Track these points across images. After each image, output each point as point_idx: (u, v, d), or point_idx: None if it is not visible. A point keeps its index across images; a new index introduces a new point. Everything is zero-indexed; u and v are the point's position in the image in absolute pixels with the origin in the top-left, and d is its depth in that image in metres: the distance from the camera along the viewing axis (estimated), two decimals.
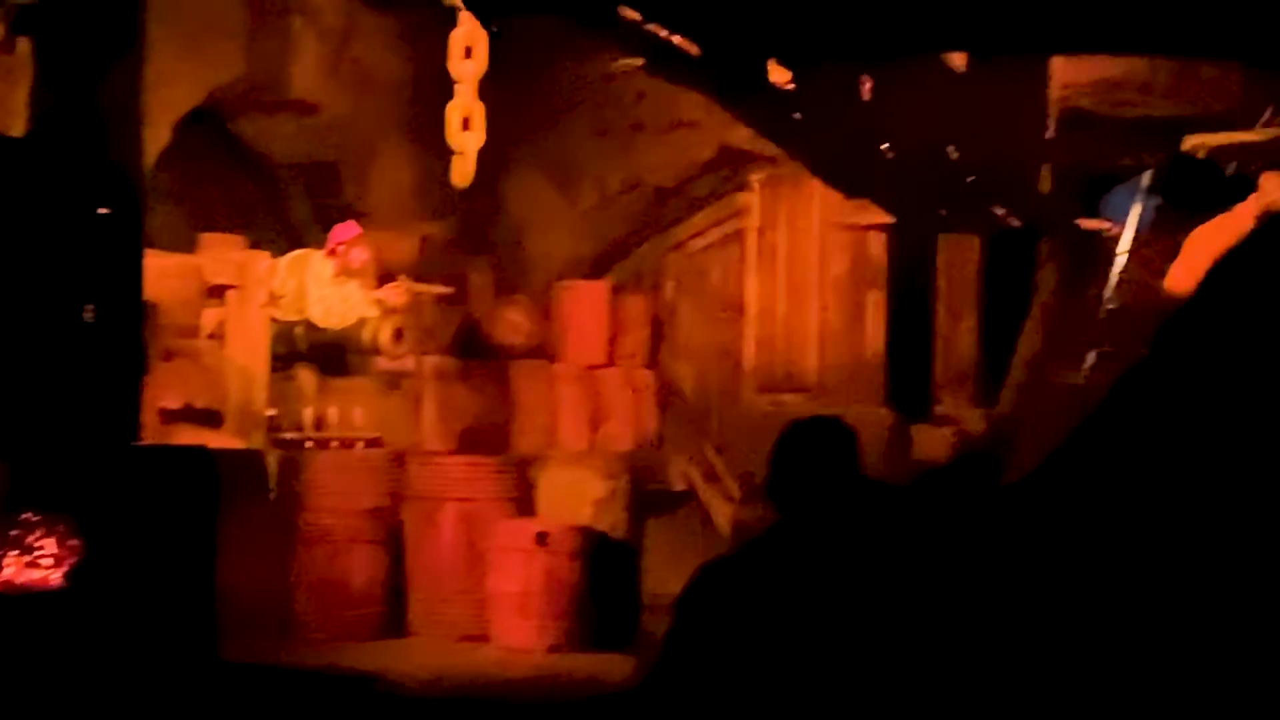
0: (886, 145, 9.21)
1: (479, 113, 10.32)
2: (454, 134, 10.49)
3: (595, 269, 12.87)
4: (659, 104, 12.08)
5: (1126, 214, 11.64)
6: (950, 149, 9.28)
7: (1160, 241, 11.66)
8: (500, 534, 10.78)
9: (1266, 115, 9.62)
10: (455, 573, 10.93)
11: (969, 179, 9.64)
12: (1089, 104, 11.23)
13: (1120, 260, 11.45)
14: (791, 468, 5.02)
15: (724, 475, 11.99)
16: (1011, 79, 9.94)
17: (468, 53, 10.14)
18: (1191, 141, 9.97)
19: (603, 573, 10.75)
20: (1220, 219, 10.28)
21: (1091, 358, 11.46)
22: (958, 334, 12.05)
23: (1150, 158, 11.56)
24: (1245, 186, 10.09)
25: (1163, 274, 11.29)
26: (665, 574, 10.53)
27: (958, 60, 8.92)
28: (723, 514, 11.77)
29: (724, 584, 4.94)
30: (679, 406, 12.59)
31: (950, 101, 9.20)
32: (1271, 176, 9.99)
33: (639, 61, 9.09)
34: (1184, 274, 10.37)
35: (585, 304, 12.32)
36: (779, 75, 8.25)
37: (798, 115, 8.87)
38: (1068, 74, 10.81)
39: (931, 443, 11.59)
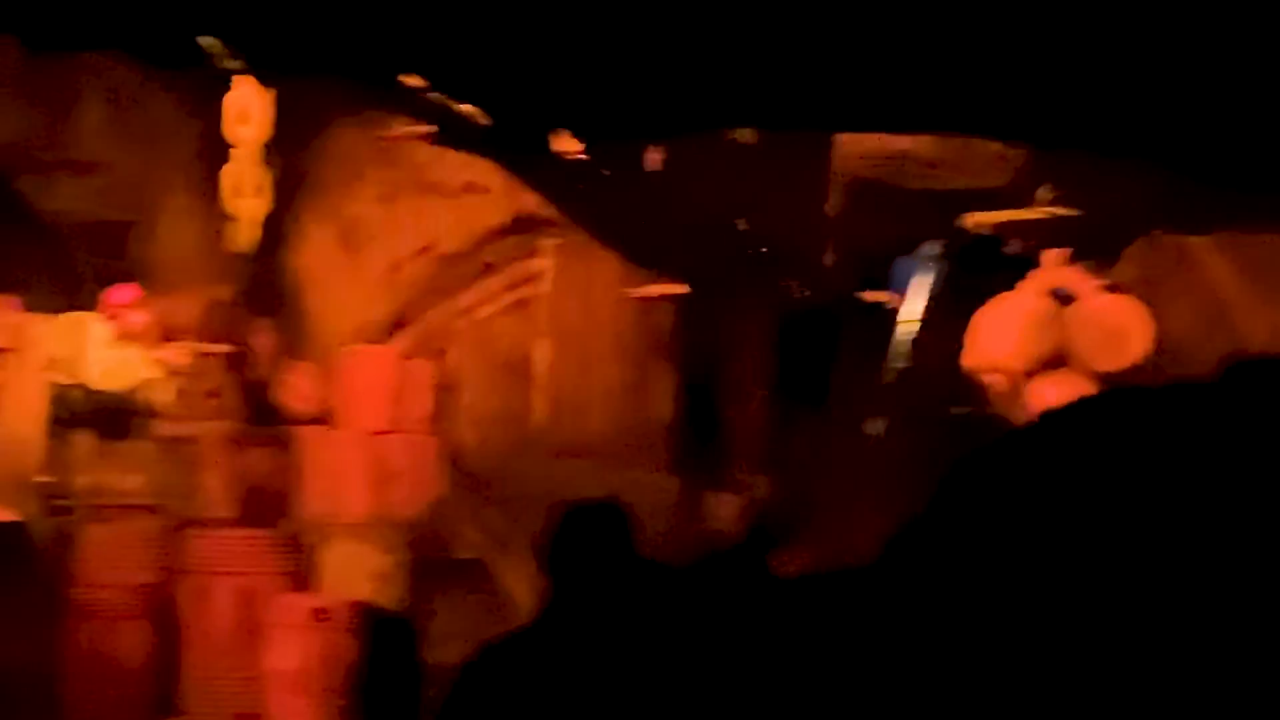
0: (675, 216, 9.16)
1: (257, 177, 10.10)
2: (229, 199, 10.26)
3: (382, 334, 12.66)
4: (450, 169, 11.94)
5: (913, 286, 11.72)
6: (739, 220, 9.26)
7: (945, 312, 11.77)
8: (277, 610, 10.52)
9: (1047, 194, 9.72)
10: (230, 650, 10.65)
11: (758, 250, 9.62)
12: (875, 176, 11.30)
13: (905, 330, 11.51)
14: (566, 549, 5.08)
15: (510, 542, 11.85)
16: (798, 151, 9.96)
17: (244, 117, 9.92)
18: (973, 219, 10.04)
19: (383, 648, 10.53)
20: (1005, 297, 10.38)
21: (879, 427, 11.52)
22: (747, 402, 12.07)
23: (935, 230, 11.66)
24: (1027, 263, 10.20)
25: (947, 343, 11.40)
26: (451, 645, 10.34)
27: (746, 132, 8.90)
28: (510, 582, 11.64)
29: (500, 663, 4.95)
30: (466, 473, 12.43)
31: (738, 173, 9.17)
32: (1052, 254, 10.10)
33: (426, 128, 8.94)
34: (974, 353, 10.46)
35: (371, 369, 12.11)
36: (569, 145, 8.16)
37: (586, 185, 8.79)
38: (854, 146, 10.87)
39: (720, 510, 11.60)
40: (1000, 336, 10.31)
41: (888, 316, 11.53)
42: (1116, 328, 10.20)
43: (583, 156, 8.31)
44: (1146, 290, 10.71)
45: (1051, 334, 10.27)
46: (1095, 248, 10.19)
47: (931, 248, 11.68)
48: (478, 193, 11.99)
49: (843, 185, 10.86)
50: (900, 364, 11.41)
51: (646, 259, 10.66)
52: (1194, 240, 10.83)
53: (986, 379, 10.42)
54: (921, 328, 11.48)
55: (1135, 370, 10.29)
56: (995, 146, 10.96)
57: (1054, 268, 10.24)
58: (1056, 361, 10.33)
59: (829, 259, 10.57)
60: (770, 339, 11.61)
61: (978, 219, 10.12)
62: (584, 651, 4.83)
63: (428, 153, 11.77)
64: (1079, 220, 9.77)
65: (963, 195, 11.20)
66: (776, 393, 11.95)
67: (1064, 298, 10.35)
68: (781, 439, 12.02)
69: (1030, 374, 10.22)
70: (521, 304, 12.35)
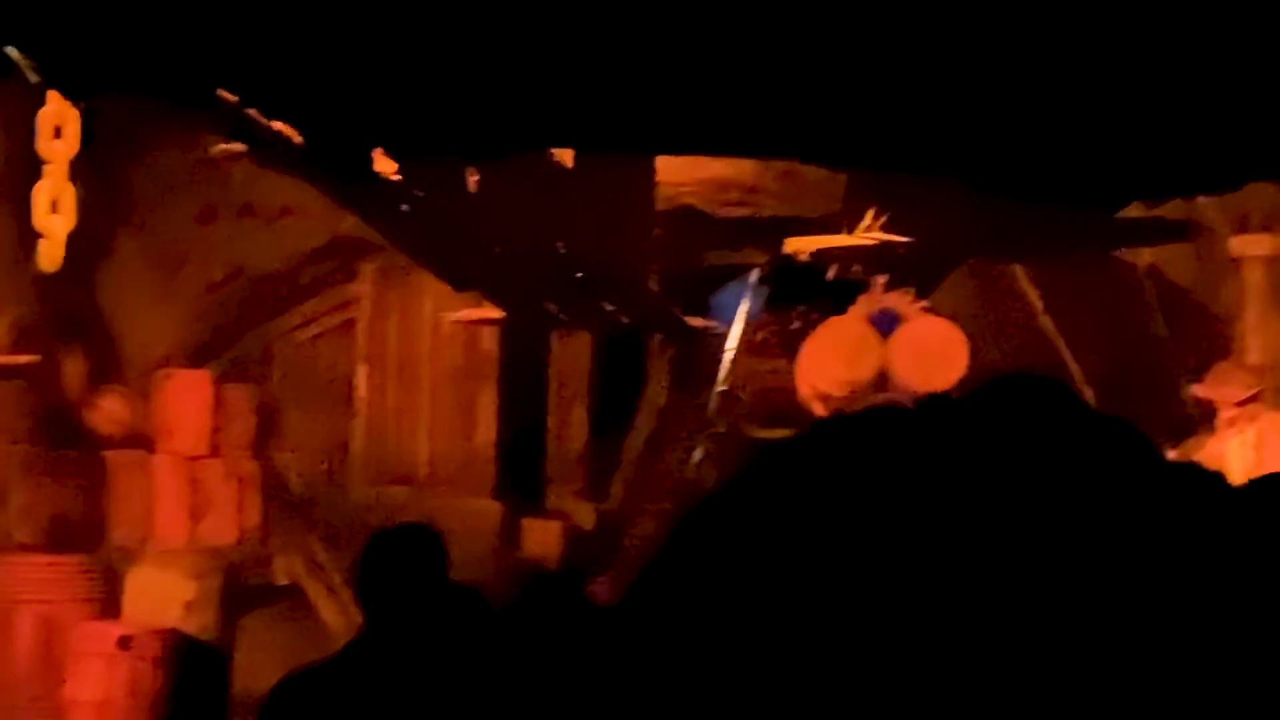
0: (495, 240, 9.02)
1: (69, 195, 9.82)
2: (41, 217, 9.96)
3: (198, 358, 12.39)
4: (267, 190, 11.71)
5: (734, 312, 11.71)
6: (559, 244, 9.15)
7: (766, 337, 11.79)
8: (80, 638, 10.21)
9: (867, 220, 9.72)
10: (29, 680, 10.32)
11: (578, 275, 9.52)
12: (696, 202, 11.27)
13: (728, 357, 11.49)
14: (377, 574, 4.97)
15: (329, 569, 11.67)
16: (619, 175, 9.88)
17: (57, 133, 9.64)
18: (793, 245, 10.03)
19: (191, 678, 10.28)
20: (830, 323, 10.39)
21: (699, 454, 11.48)
22: (569, 428, 12.00)
23: (757, 257, 11.66)
24: (852, 289, 10.22)
25: (767, 367, 11.40)
26: (265, 673, 10.13)
27: (565, 155, 8.79)
28: (328, 609, 11.46)
29: (306, 693, 4.86)
30: (285, 499, 12.21)
31: (558, 196, 9.07)
32: (877, 280, 10.12)
33: (240, 147, 8.73)
34: (801, 378, 10.46)
35: (186, 393, 11.83)
36: (385, 165, 7.99)
37: (405, 207, 8.62)
38: (675, 173, 10.84)
39: (541, 536, 11.51)
40: (824, 362, 10.32)
41: (710, 342, 11.49)
42: (935, 351, 10.25)
43: (398, 178, 8.15)
44: (967, 319, 10.77)
45: (873, 358, 10.31)
46: (919, 273, 10.23)
47: (754, 275, 11.68)
48: (295, 215, 11.80)
49: (664, 211, 10.82)
50: (722, 389, 11.38)
51: (467, 283, 10.51)
52: (1013, 268, 10.92)
53: (813, 404, 10.43)
54: (741, 352, 11.47)
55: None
56: (816, 172, 10.97)
57: (877, 293, 10.26)
58: (880, 386, 10.37)
59: (651, 284, 10.50)
60: (591, 364, 11.52)
61: (799, 244, 10.11)
62: (392, 677, 4.74)
63: (245, 173, 11.55)
64: (903, 246, 9.79)
65: (784, 222, 11.21)
66: (598, 419, 11.86)
67: (886, 322, 10.39)
68: (602, 466, 11.94)
69: (854, 398, 10.25)
70: (341, 328, 12.20)
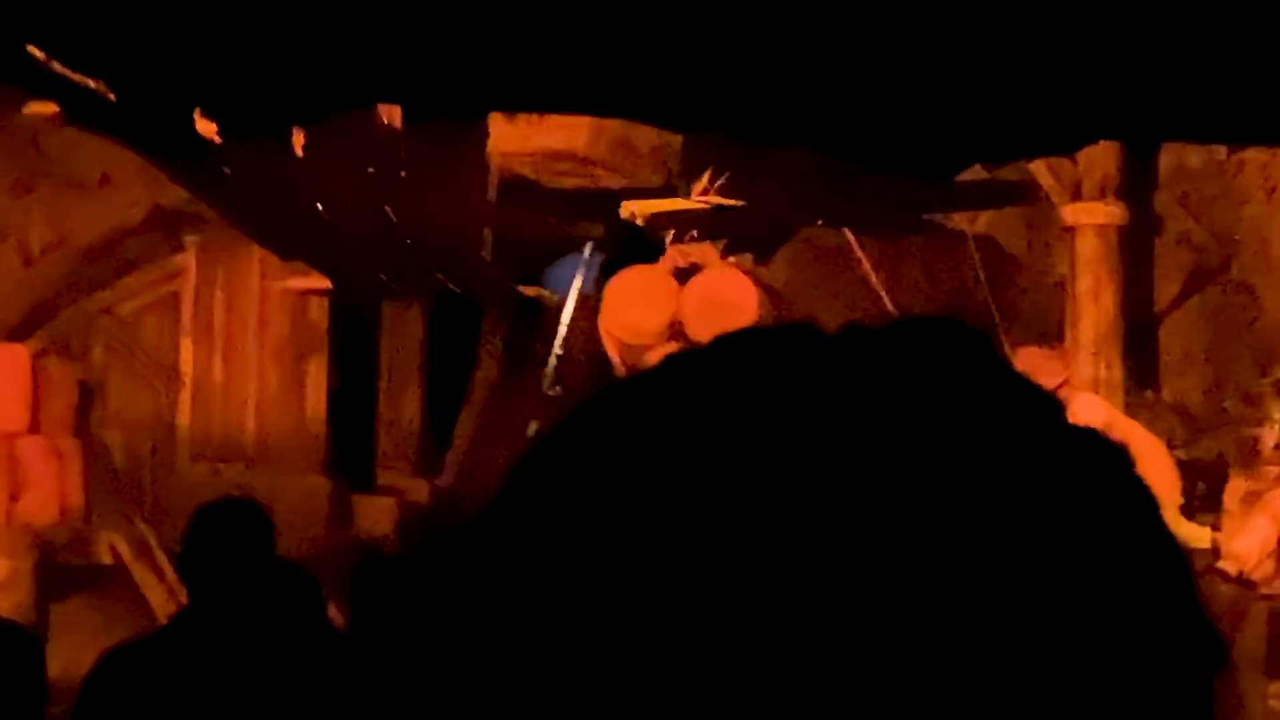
0: (322, 206, 8.66)
1: None
2: None
3: (17, 333, 11.94)
4: (86, 160, 11.27)
5: (569, 283, 11.49)
6: (389, 210, 8.80)
7: (591, 312, 11.59)
8: None
9: (703, 183, 9.49)
10: None
11: (409, 243, 9.19)
12: (529, 173, 11.03)
13: (563, 329, 11.27)
14: (202, 549, 4.83)
15: (155, 548, 11.30)
16: (451, 140, 9.57)
17: None
18: (629, 208, 9.78)
19: (3, 660, 9.83)
20: (639, 270, 10.17)
21: (534, 426, 11.24)
22: (401, 402, 11.71)
23: (591, 227, 11.44)
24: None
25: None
26: (85, 655, 9.75)
27: (394, 119, 8.47)
28: (153, 591, 11.09)
29: (127, 670, 4.69)
30: (108, 476, 11.82)
31: (388, 160, 8.73)
32: (704, 245, 9.92)
33: (51, 107, 8.30)
34: (603, 329, 10.25)
35: (3, 369, 11.37)
36: (205, 126, 7.61)
37: (227, 170, 8.23)
38: (507, 143, 10.59)
39: (373, 513, 11.23)
40: (622, 308, 10.14)
41: (545, 312, 11.26)
42: (723, 301, 10.07)
43: (219, 139, 7.77)
44: (802, 287, 10.60)
45: (668, 306, 10.11)
46: (755, 239, 10.04)
47: (588, 245, 11.48)
48: (116, 186, 11.40)
49: (497, 182, 10.57)
50: (557, 359, 11.15)
51: (294, 251, 10.14)
52: (845, 236, 10.74)
53: (610, 350, 10.24)
54: (577, 322, 11.26)
55: None
56: (650, 143, 10.75)
57: (690, 246, 10.07)
58: (675, 334, 10.18)
59: (486, 253, 10.21)
60: (424, 336, 11.20)
61: (635, 208, 9.87)
62: (216, 653, 4.57)
63: (63, 142, 11.10)
64: (739, 210, 9.57)
65: (618, 194, 11.01)
66: (431, 392, 11.57)
67: (689, 274, 10.21)
68: (436, 440, 11.65)
69: (648, 345, 10.06)
70: (166, 301, 11.84)
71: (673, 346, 10.03)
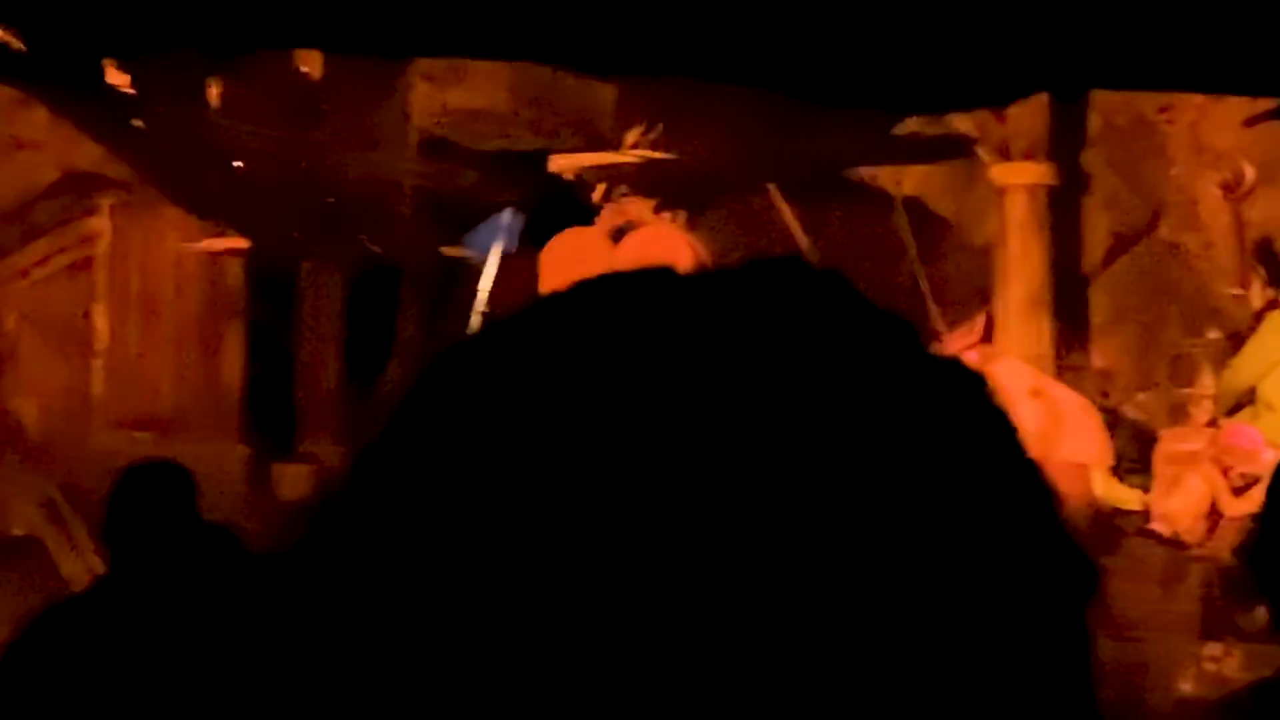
0: (239, 163, 8.33)
1: None
2: None
3: None
4: None
5: (490, 247, 11.27)
6: (306, 166, 8.49)
7: (522, 274, 11.38)
8: None
9: (634, 136, 9.21)
10: None
11: (329, 201, 8.88)
12: (450, 134, 10.77)
13: (485, 289, 11.02)
14: (125, 514, 4.79)
15: (69, 518, 11.01)
16: (370, 94, 9.27)
17: None
18: (559, 163, 9.50)
19: None
20: (575, 231, 9.92)
21: None
22: (320, 368, 11.42)
23: (513, 190, 11.21)
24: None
25: (524, 296, 10.93)
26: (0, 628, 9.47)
27: (314, 68, 8.17)
28: (67, 561, 10.81)
29: (51, 636, 4.61)
30: (21, 445, 11.53)
31: (306, 113, 8.42)
32: (637, 200, 9.66)
33: None
34: (551, 288, 10.00)
35: None
36: (117, 78, 7.27)
37: (139, 123, 7.88)
38: (428, 103, 10.32)
39: (292, 481, 10.97)
40: (558, 270, 9.89)
41: (466, 274, 11.02)
42: (656, 259, 9.81)
43: (132, 91, 7.43)
44: (730, 248, 10.37)
45: (602, 269, 9.86)
46: (688, 194, 9.79)
47: (509, 210, 11.26)
48: (28, 148, 11.05)
49: (419, 140, 10.30)
50: (481, 319, 10.89)
51: (210, 209, 9.81)
52: (772, 195, 10.50)
53: None
54: (497, 282, 11.02)
55: None
56: (574, 102, 10.49)
57: (625, 204, 9.84)
58: None
59: (407, 213, 9.91)
60: (343, 298, 10.89)
61: (564, 162, 9.59)
62: (140, 618, 4.50)
63: None
64: (671, 164, 9.30)
65: (540, 155, 10.77)
66: (351, 356, 11.28)
67: (624, 233, 9.98)
68: (356, 406, 11.38)
69: None
70: (79, 266, 11.53)
71: None
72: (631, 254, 9.86)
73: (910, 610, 0.66)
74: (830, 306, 0.72)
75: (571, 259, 9.89)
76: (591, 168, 9.56)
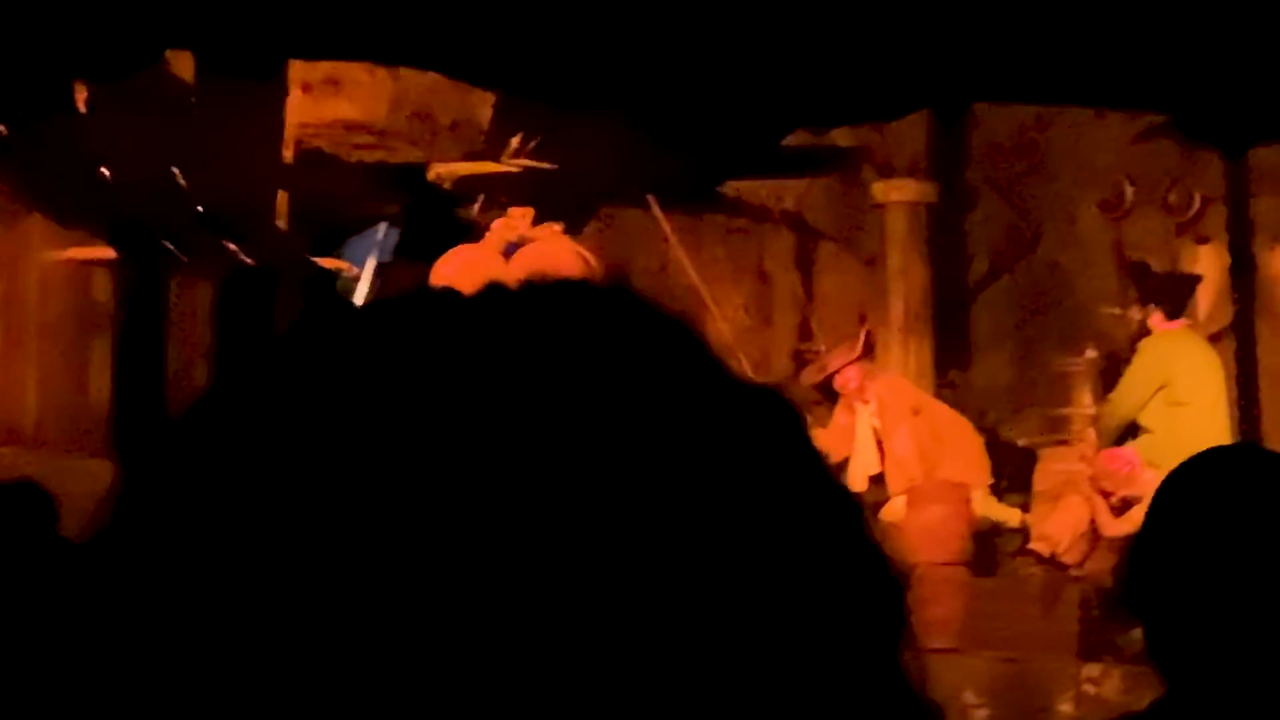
0: (106, 168, 8.04)
1: None
2: None
3: None
4: None
5: (365, 259, 11.05)
6: (178, 173, 8.22)
7: (399, 275, 11.15)
8: None
9: (514, 145, 9.02)
10: None
11: (200, 210, 8.61)
12: (326, 145, 10.53)
13: (360, 300, 10.78)
14: None
15: None
16: (244, 101, 9.00)
17: None
18: (437, 171, 9.28)
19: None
20: (467, 248, 9.72)
21: None
22: (190, 381, 11.11)
23: (389, 203, 10.99)
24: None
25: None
26: None
27: (186, 74, 7.90)
28: None
29: None
30: None
31: (178, 119, 8.15)
32: (519, 211, 9.46)
33: None
34: None
35: None
36: None
37: (3, 129, 7.59)
38: (302, 114, 10.08)
39: None
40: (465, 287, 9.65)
41: (342, 286, 10.77)
42: (550, 274, 9.63)
43: None
44: (608, 263, 10.20)
45: None
46: (568, 205, 9.59)
47: (384, 225, 11.03)
48: None
49: (295, 150, 10.05)
50: None
51: (76, 218, 9.48)
52: (653, 211, 10.35)
53: None
54: (371, 294, 10.79)
55: None
56: (453, 110, 10.29)
57: (515, 221, 9.63)
58: None
59: (282, 223, 9.65)
60: (213, 311, 10.59)
61: (444, 170, 9.37)
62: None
63: None
64: (551, 175, 9.11)
65: (419, 167, 10.56)
66: (222, 370, 10.98)
67: (514, 249, 9.79)
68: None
69: None
70: None
71: None
72: (524, 269, 9.65)
73: (687, 621, 0.66)
74: (611, 325, 0.72)
75: (463, 274, 9.68)
76: (470, 177, 9.34)
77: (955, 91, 8.77)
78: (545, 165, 8.93)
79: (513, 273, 9.66)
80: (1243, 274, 10.06)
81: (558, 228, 9.79)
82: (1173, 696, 2.05)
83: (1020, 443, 10.28)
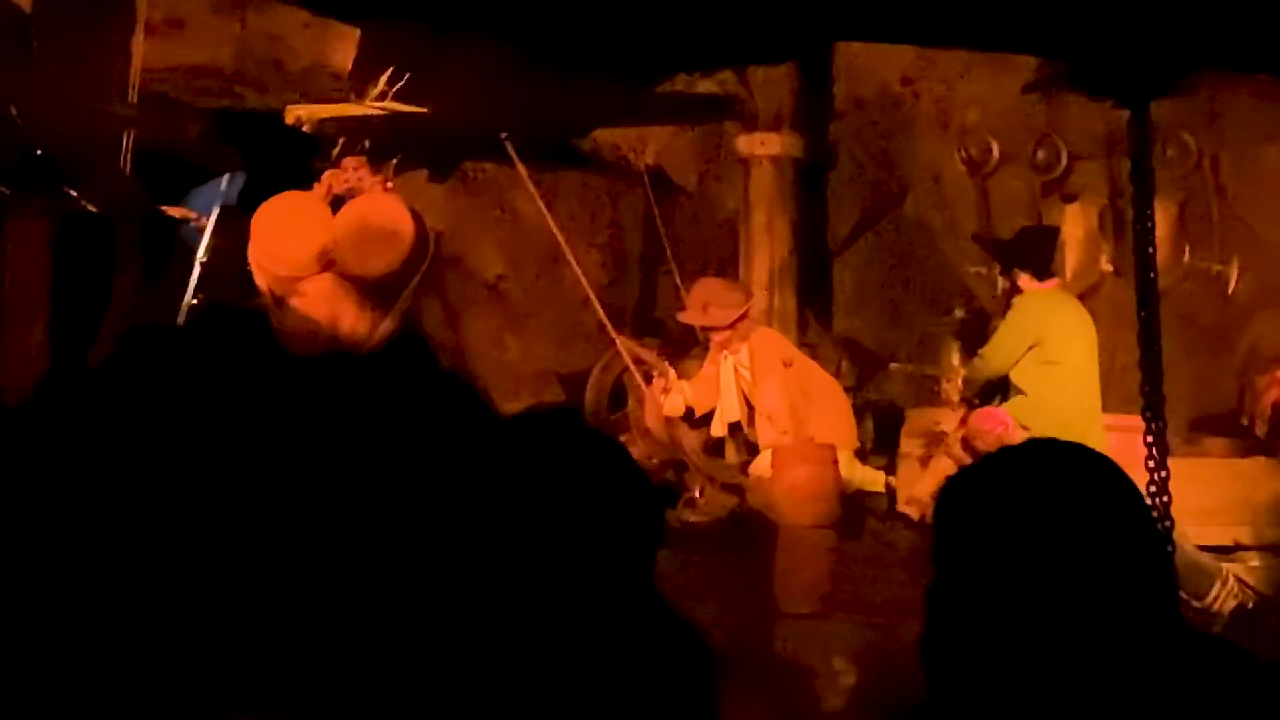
0: None
1: None
2: None
3: None
4: None
5: (209, 208, 10.56)
6: (12, 110, 7.66)
7: (238, 237, 10.70)
8: None
9: (380, 85, 8.55)
10: None
11: (36, 151, 8.05)
12: (171, 91, 10.01)
13: (205, 245, 10.32)
14: None
15: None
16: (88, 45, 8.46)
17: None
18: (296, 114, 8.78)
19: None
20: (286, 196, 9.26)
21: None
22: (25, 332, 10.53)
23: (235, 149, 10.52)
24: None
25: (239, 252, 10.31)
26: None
27: (24, 3, 7.36)
28: None
29: None
30: None
31: (15, 59, 7.59)
32: (352, 162, 8.99)
33: None
34: (253, 260, 9.32)
35: None
36: None
37: None
38: (146, 58, 9.53)
39: None
40: (272, 238, 9.17)
41: (188, 238, 10.27)
42: (377, 228, 9.22)
43: None
44: (460, 225, 9.79)
45: (320, 235, 9.21)
46: (437, 150, 9.13)
47: (227, 176, 10.54)
48: None
49: (139, 94, 9.50)
50: (200, 267, 10.16)
51: None
52: (518, 168, 9.91)
53: (260, 284, 9.32)
54: (215, 246, 10.30)
55: (391, 276, 9.39)
56: (302, 56, 9.81)
57: (345, 173, 9.17)
58: (327, 264, 9.30)
59: (125, 168, 9.10)
60: (49, 257, 10.02)
61: (303, 112, 8.87)
62: None
63: None
64: (416, 120, 8.63)
65: (265, 115, 10.08)
66: (60, 323, 10.41)
67: (344, 200, 9.34)
68: (66, 380, 10.51)
69: (301, 278, 9.18)
70: None
71: (326, 278, 9.14)
72: (353, 224, 9.20)
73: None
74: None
75: (285, 226, 9.18)
76: (332, 119, 8.85)
77: (824, 36, 8.45)
78: (413, 109, 8.46)
79: (341, 226, 9.22)
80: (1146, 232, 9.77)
81: (389, 182, 9.35)
82: (935, 698, 2.04)
83: (885, 403, 10.02)
